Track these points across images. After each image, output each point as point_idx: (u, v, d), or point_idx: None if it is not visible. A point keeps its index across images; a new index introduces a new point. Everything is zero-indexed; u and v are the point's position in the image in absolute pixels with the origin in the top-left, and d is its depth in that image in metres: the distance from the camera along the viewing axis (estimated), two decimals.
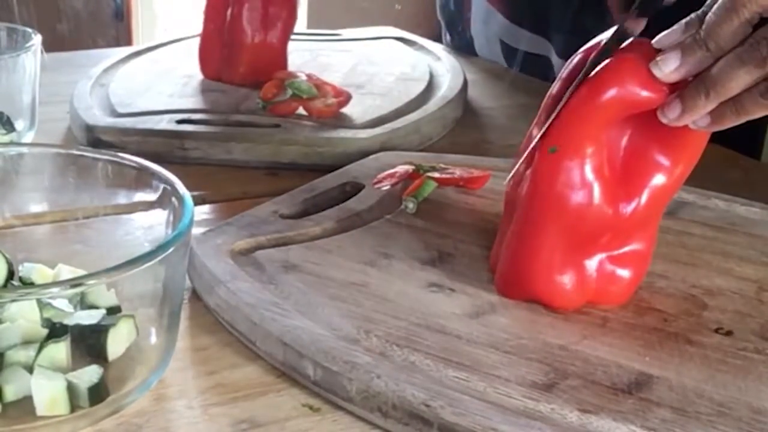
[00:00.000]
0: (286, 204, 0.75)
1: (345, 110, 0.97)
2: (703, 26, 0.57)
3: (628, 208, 0.60)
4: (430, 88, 1.06)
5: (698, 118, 0.58)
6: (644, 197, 0.60)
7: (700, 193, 0.79)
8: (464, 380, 0.54)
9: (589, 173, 0.59)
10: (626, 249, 0.62)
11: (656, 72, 0.57)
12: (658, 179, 0.60)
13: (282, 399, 0.56)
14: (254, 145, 0.89)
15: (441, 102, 1.01)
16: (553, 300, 0.62)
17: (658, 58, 0.57)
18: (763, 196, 0.81)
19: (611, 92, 0.58)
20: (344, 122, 0.94)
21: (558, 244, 0.60)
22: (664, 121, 0.58)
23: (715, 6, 0.57)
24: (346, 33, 1.29)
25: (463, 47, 1.31)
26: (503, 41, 1.23)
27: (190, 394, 0.56)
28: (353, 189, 0.79)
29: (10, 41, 0.93)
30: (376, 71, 1.11)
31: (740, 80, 0.56)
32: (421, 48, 1.22)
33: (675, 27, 0.58)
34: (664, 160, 0.60)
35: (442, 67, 1.13)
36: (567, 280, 0.61)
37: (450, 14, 1.34)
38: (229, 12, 1.03)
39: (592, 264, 0.62)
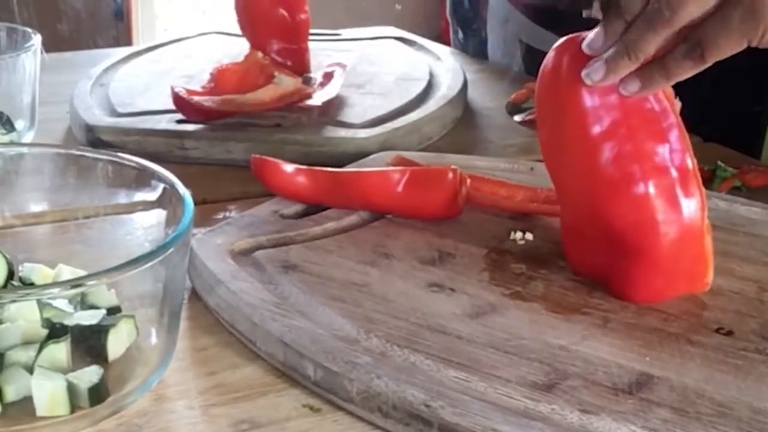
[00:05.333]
0: (286, 204, 0.75)
1: (345, 110, 0.97)
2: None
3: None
4: (429, 87, 1.06)
5: (628, 83, 0.60)
6: None
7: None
8: (465, 380, 0.54)
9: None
10: None
11: (586, 49, 0.61)
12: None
13: (282, 399, 0.56)
14: (254, 145, 0.89)
15: (441, 102, 1.01)
16: None
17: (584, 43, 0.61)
18: (763, 196, 0.81)
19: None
20: (344, 122, 0.94)
21: None
22: (588, 82, 0.60)
23: None
24: (346, 33, 1.29)
25: (476, 45, 1.31)
26: (522, 41, 1.23)
27: (190, 395, 0.56)
28: None
29: (10, 41, 0.93)
30: (376, 71, 1.11)
31: (653, 41, 0.59)
32: (421, 48, 1.22)
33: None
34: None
35: (442, 67, 1.13)
36: None
37: (464, 13, 1.34)
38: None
39: None
